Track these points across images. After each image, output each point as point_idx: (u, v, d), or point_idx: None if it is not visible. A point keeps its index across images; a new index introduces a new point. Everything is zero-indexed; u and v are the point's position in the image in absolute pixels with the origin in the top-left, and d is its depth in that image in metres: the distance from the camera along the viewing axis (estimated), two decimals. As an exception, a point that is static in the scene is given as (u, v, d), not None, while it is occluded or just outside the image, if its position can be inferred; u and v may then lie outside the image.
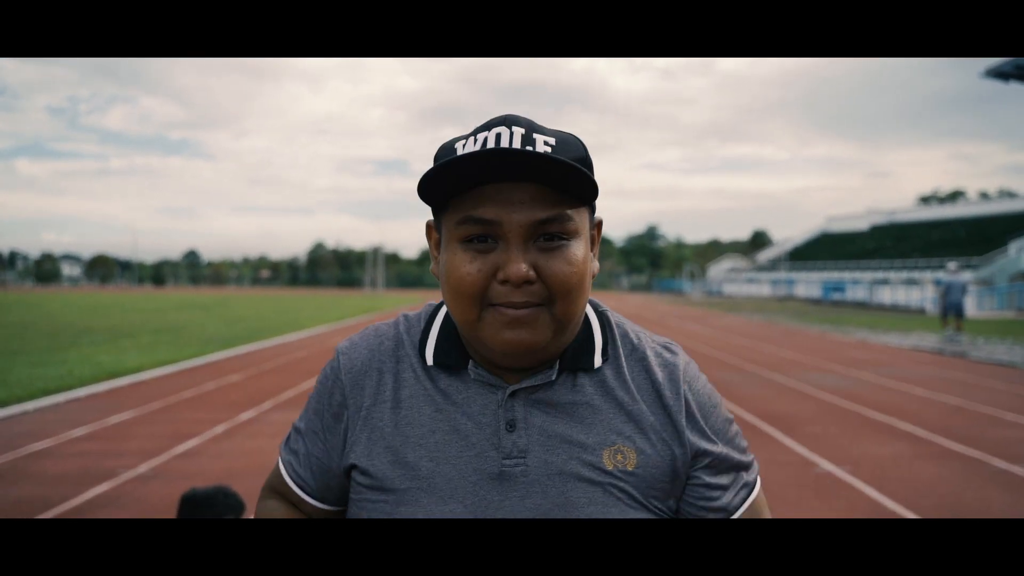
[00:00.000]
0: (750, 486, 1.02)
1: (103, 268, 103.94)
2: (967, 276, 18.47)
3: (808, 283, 46.53)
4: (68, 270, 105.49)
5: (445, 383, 0.99)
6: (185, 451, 6.03)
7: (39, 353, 12.61)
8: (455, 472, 0.95)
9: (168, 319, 23.31)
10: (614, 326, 1.04)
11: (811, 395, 9.06)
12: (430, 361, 1.00)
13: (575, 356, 0.99)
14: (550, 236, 0.91)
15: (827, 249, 56.15)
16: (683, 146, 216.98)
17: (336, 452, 1.02)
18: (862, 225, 58.60)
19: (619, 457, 0.95)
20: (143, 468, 5.48)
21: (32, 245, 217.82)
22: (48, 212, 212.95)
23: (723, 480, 1.00)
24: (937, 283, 17.40)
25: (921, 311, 29.21)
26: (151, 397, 8.57)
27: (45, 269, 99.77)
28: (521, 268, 0.88)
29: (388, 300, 44.79)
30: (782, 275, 53.23)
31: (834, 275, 46.34)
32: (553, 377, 0.97)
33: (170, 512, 3.88)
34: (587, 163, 0.94)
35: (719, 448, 0.99)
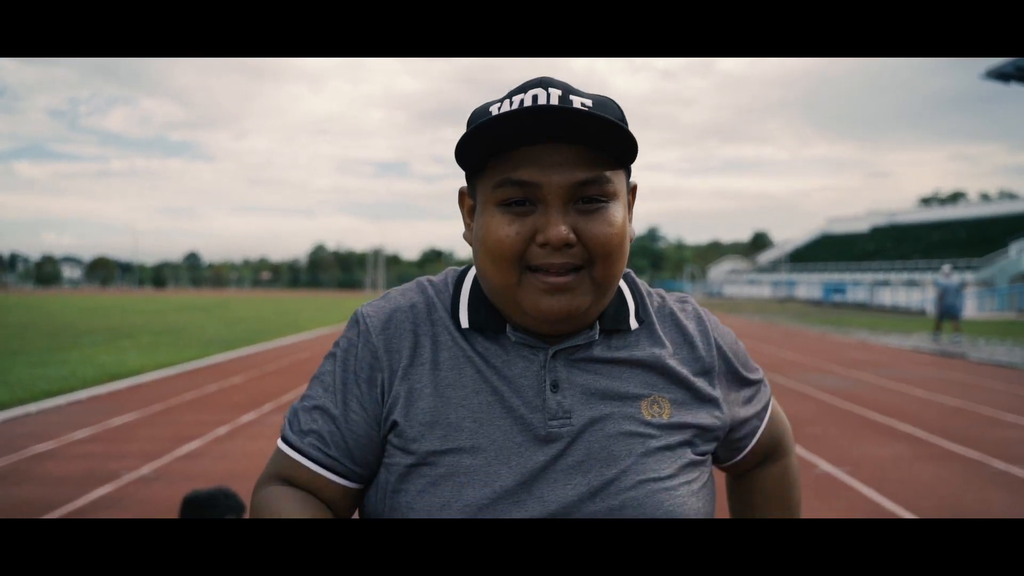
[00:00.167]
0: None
1: (103, 270, 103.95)
2: (960, 278, 18.42)
3: (809, 284, 46.52)
4: (68, 272, 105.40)
5: (483, 346, 0.97)
6: (187, 453, 6.04)
7: (40, 354, 12.63)
8: (500, 434, 0.93)
9: (169, 321, 23.32)
10: (640, 286, 1.06)
11: (811, 396, 9.06)
12: (465, 324, 0.98)
13: (613, 317, 1.00)
14: (589, 199, 0.90)
15: (828, 250, 56.16)
16: (683, 146, 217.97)
17: (372, 421, 0.96)
18: (863, 226, 58.58)
19: (655, 408, 0.97)
20: (145, 470, 5.48)
21: (32, 247, 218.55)
22: (48, 214, 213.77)
23: (756, 408, 1.09)
24: (936, 284, 17.40)
25: (922, 312, 29.23)
26: (152, 399, 8.58)
27: (46, 271, 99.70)
28: (561, 230, 0.88)
29: (389, 302, 44.64)
30: (783, 276, 53.25)
31: (835, 276, 46.35)
32: (596, 337, 0.97)
33: (172, 513, 3.89)
34: (626, 124, 0.93)
35: (752, 376, 1.10)
